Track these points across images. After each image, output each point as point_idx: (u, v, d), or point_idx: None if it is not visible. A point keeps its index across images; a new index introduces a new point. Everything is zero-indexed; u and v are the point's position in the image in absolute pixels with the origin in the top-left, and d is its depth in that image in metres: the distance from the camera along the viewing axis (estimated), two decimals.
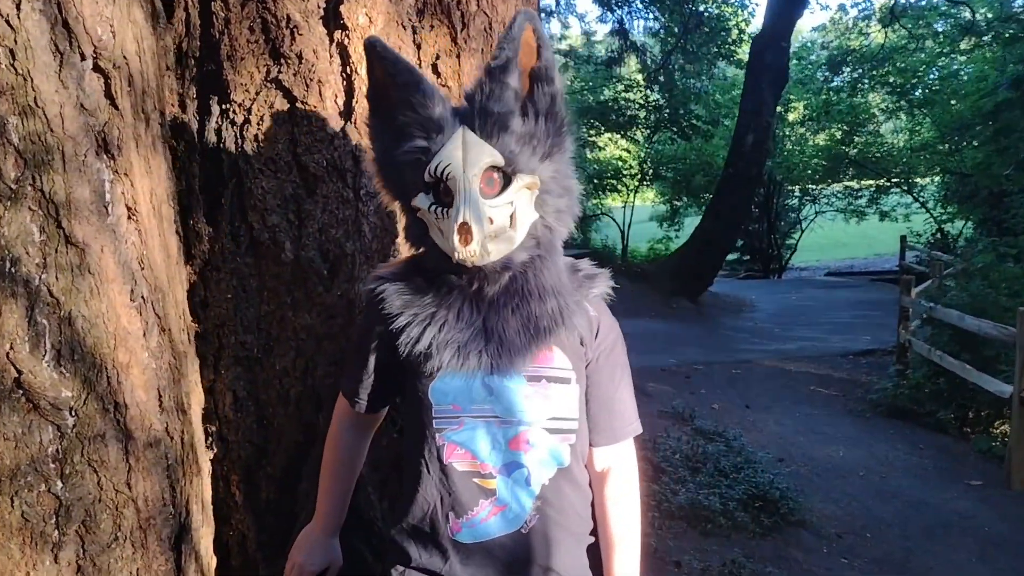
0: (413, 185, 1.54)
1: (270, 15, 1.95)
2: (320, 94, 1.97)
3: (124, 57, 1.62)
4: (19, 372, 1.49)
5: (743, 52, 18.78)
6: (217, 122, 1.99)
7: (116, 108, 1.59)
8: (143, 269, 1.67)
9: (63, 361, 1.53)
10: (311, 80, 1.96)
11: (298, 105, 1.96)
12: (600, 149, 23.83)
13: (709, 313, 15.92)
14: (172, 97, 2.01)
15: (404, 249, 1.78)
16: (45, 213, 1.49)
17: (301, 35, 1.96)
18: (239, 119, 1.97)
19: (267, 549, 1.98)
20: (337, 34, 1.98)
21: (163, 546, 1.71)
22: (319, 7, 1.98)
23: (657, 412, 7.71)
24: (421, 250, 1.63)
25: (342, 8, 1.96)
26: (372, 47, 1.55)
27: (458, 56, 2.13)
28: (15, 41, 1.44)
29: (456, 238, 1.43)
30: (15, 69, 1.44)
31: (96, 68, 1.56)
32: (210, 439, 2.00)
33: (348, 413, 1.74)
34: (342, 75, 1.99)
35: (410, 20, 2.08)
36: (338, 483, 1.80)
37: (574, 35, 29.36)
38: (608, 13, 20.76)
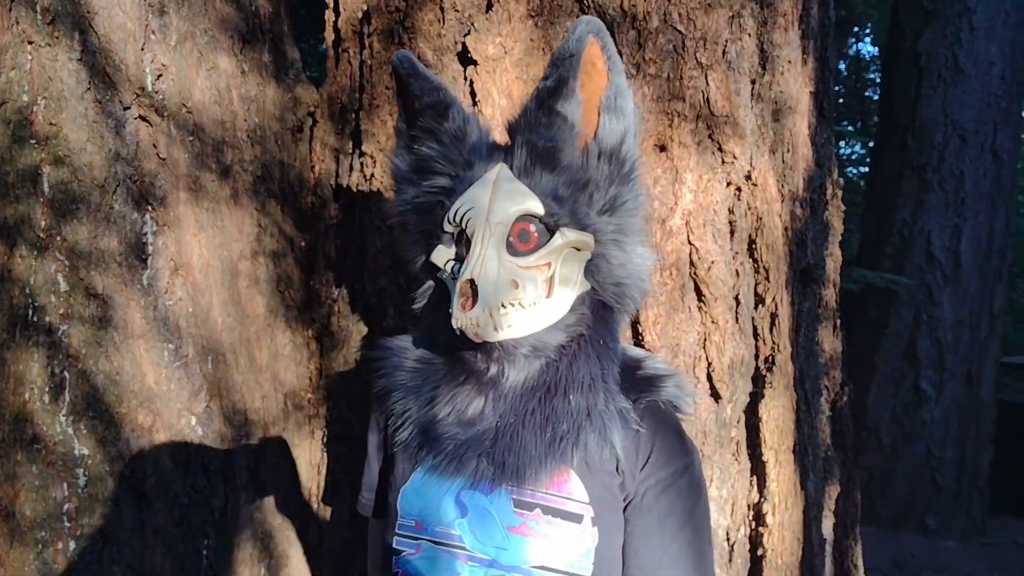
0: (432, 235, 1.19)
1: None
2: None
3: (185, 106, 1.55)
4: (37, 423, 1.47)
5: None
6: (358, 176, 1.83)
7: (162, 158, 1.52)
8: (190, 328, 1.55)
9: (80, 417, 1.47)
10: None
11: None
12: None
13: None
14: (324, 151, 1.91)
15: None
16: (70, 263, 1.46)
17: None
18: (368, 172, 1.78)
19: None
20: (469, 70, 1.69)
21: None
22: (455, 43, 1.71)
23: None
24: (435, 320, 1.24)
25: (468, 39, 1.66)
26: (399, 64, 1.23)
27: None
28: (46, 90, 1.45)
29: (456, 300, 1.06)
30: (50, 120, 1.45)
31: (141, 117, 1.51)
32: (310, 524, 1.80)
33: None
34: None
35: None
36: None
37: None
38: None
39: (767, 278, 1.73)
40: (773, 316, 1.73)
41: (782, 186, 1.84)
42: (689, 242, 1.66)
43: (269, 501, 1.69)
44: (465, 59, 1.71)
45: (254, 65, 1.70)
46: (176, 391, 1.54)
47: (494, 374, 1.15)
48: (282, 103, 1.79)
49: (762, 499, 1.66)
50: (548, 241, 1.11)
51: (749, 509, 1.69)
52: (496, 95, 1.67)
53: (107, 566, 1.49)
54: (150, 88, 1.51)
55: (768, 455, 1.66)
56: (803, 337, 1.89)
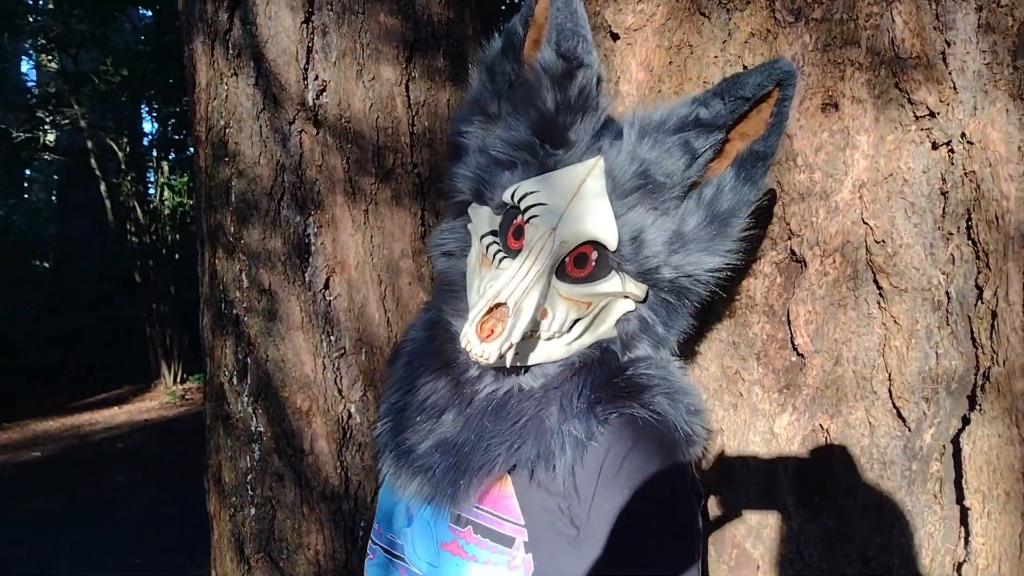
0: (485, 187, 1.00)
1: None
2: None
3: (343, 116, 1.68)
4: (228, 401, 1.71)
5: None
6: None
7: (319, 165, 1.66)
8: (348, 321, 1.67)
9: (256, 398, 1.68)
10: None
11: None
12: None
13: None
14: None
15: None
16: (249, 263, 1.68)
17: None
18: None
19: None
20: (616, 44, 1.56)
21: None
22: (606, 19, 1.60)
23: None
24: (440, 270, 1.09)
25: (607, 12, 1.54)
26: None
27: (775, 37, 1.39)
28: (233, 114, 1.69)
29: (477, 319, 0.88)
30: (235, 139, 1.69)
31: (303, 130, 1.67)
32: None
33: None
34: None
35: (720, 1, 1.47)
36: None
37: None
38: None
39: (987, 265, 1.29)
40: (993, 315, 1.29)
41: None
42: (863, 220, 1.32)
43: None
44: (615, 36, 1.58)
45: (424, 71, 1.76)
46: (333, 379, 1.66)
47: (472, 376, 1.02)
48: (458, 105, 1.83)
49: (967, 558, 1.24)
50: (602, 279, 0.94)
51: (954, 569, 1.27)
52: (634, 68, 1.52)
53: (276, 531, 1.66)
54: (311, 103, 1.66)
55: (972, 500, 1.24)
56: None
